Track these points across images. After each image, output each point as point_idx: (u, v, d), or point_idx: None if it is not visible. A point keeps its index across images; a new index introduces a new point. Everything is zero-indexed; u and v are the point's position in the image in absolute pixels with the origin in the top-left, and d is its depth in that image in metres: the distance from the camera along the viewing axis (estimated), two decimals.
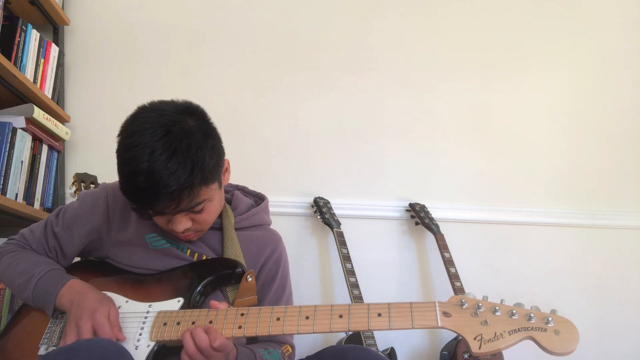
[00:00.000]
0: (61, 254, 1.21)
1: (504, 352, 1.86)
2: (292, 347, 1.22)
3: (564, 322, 0.85)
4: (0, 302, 1.62)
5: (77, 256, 1.25)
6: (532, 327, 0.85)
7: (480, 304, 0.88)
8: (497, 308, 0.87)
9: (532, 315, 0.86)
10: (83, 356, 0.85)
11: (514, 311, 0.87)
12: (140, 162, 0.99)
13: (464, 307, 0.89)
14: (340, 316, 0.93)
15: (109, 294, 1.10)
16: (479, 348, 0.84)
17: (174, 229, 1.09)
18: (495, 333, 0.85)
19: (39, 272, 1.11)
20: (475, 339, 0.85)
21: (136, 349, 1.00)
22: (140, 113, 1.07)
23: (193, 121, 1.06)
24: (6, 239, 1.64)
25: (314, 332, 0.94)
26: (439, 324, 0.88)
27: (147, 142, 1.00)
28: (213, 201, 1.11)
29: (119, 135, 1.07)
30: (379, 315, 0.91)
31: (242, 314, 0.99)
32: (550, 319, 0.85)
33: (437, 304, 0.90)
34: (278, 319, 0.96)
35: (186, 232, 1.11)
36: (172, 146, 1.00)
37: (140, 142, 1.00)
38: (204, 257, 1.19)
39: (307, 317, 0.95)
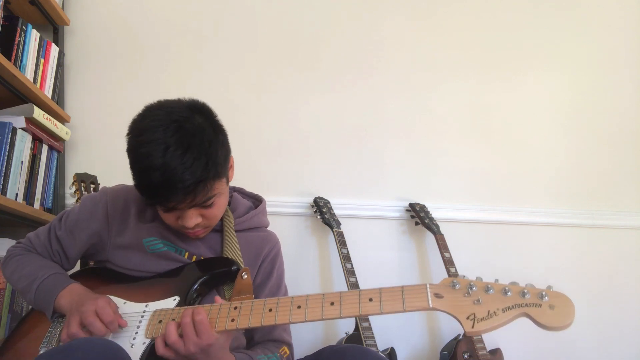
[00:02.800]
0: (64, 257, 1.23)
1: (505, 352, 1.86)
2: (290, 346, 1.23)
3: (558, 296, 0.83)
4: (0, 302, 1.63)
5: (81, 259, 1.26)
6: (527, 304, 0.83)
7: (472, 284, 0.87)
8: (490, 287, 0.86)
9: (526, 291, 0.84)
10: (79, 355, 0.85)
11: (508, 289, 0.85)
12: (155, 158, 1.00)
13: (456, 287, 0.88)
14: (332, 303, 0.93)
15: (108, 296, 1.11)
16: (472, 327, 0.83)
17: (185, 225, 1.10)
18: (489, 311, 0.83)
19: (42, 275, 1.14)
20: (468, 318, 0.84)
21: (132, 346, 1.01)
22: (149, 111, 1.08)
23: (201, 118, 1.08)
24: (8, 239, 1.65)
25: (306, 321, 0.93)
26: (430, 305, 0.87)
27: (160, 138, 1.01)
28: (222, 196, 1.13)
29: (128, 134, 1.08)
30: (370, 300, 0.91)
31: (235, 307, 0.99)
32: (544, 293, 0.83)
33: (428, 285, 0.89)
34: (270, 309, 0.96)
35: (196, 227, 1.12)
36: (185, 141, 1.02)
37: (153, 139, 1.01)
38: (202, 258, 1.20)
39: (299, 307, 0.95)
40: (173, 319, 1.02)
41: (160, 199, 1.05)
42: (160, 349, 0.96)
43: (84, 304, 1.03)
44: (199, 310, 0.95)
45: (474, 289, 0.86)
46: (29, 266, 1.17)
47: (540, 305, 0.83)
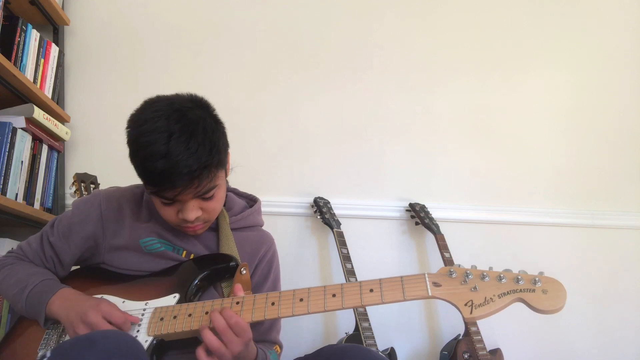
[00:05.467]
0: (58, 263, 1.21)
1: (505, 352, 1.86)
2: (281, 347, 1.25)
3: (551, 281, 0.88)
4: (0, 302, 1.63)
5: (75, 264, 1.25)
6: (521, 289, 0.87)
7: (468, 272, 0.90)
8: (485, 274, 0.90)
9: (519, 277, 0.88)
10: (100, 346, 0.85)
11: (502, 275, 0.89)
12: (159, 146, 1.00)
13: (452, 276, 0.91)
14: (334, 295, 0.95)
15: (106, 296, 1.11)
16: (470, 313, 0.86)
17: (186, 218, 1.10)
18: (485, 298, 0.87)
19: (32, 282, 1.11)
20: (466, 305, 0.87)
21: None
22: (149, 104, 1.08)
23: (200, 111, 1.08)
24: (8, 239, 1.65)
25: (309, 313, 0.95)
26: (430, 294, 0.90)
27: (162, 126, 1.01)
28: (222, 189, 1.14)
29: (128, 127, 1.07)
30: (371, 290, 0.94)
31: (238, 302, 1.00)
32: (537, 279, 0.88)
33: (426, 275, 0.92)
34: (273, 303, 0.97)
35: (196, 221, 1.12)
36: (189, 128, 1.02)
37: (156, 127, 1.01)
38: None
39: (301, 300, 0.96)
40: (174, 317, 1.02)
41: (166, 186, 1.04)
42: (204, 358, 0.96)
43: (87, 314, 1.00)
44: (230, 314, 0.96)
45: (470, 276, 0.90)
46: (19, 274, 1.15)
47: (534, 291, 0.87)
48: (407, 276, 0.93)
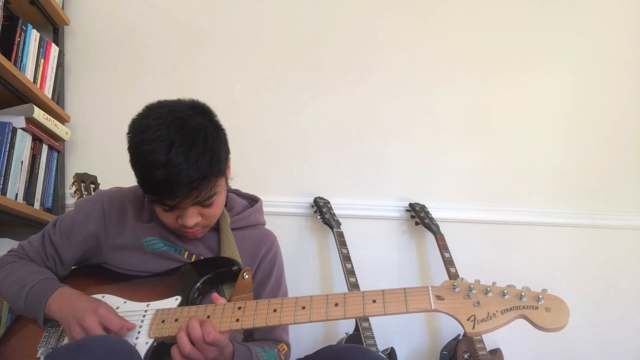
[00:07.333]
0: (59, 262, 1.21)
1: (505, 352, 1.86)
2: (288, 345, 1.24)
3: (554, 299, 0.87)
4: (0, 303, 1.63)
5: (76, 264, 1.25)
6: (524, 306, 0.87)
7: (472, 287, 0.90)
8: (489, 289, 0.90)
9: (523, 294, 0.88)
10: (94, 351, 0.85)
11: (506, 291, 0.89)
12: (159, 155, 1.00)
13: (456, 290, 0.91)
14: (336, 304, 0.95)
15: (107, 296, 1.11)
16: (473, 328, 0.86)
17: (185, 224, 1.10)
18: (488, 313, 0.87)
19: (32, 281, 1.11)
20: (468, 319, 0.87)
21: (135, 346, 1.00)
22: (150, 110, 1.08)
23: (202, 118, 1.08)
24: (8, 239, 1.65)
25: (311, 321, 0.95)
26: (433, 307, 0.90)
27: (163, 135, 1.01)
28: (221, 195, 1.14)
29: (129, 132, 1.07)
30: (374, 301, 0.93)
31: (240, 308, 1.00)
32: (540, 297, 0.88)
33: (430, 288, 0.92)
34: (275, 310, 0.97)
35: (195, 227, 1.13)
36: (190, 138, 1.02)
37: (157, 136, 1.01)
38: (202, 258, 1.20)
39: (303, 307, 0.96)
40: (176, 319, 1.02)
41: (165, 196, 1.05)
42: (178, 358, 0.97)
43: (85, 318, 1.00)
44: (208, 330, 0.96)
45: (473, 291, 0.90)
46: (19, 273, 1.14)
47: (537, 308, 0.87)
48: (410, 288, 0.93)
